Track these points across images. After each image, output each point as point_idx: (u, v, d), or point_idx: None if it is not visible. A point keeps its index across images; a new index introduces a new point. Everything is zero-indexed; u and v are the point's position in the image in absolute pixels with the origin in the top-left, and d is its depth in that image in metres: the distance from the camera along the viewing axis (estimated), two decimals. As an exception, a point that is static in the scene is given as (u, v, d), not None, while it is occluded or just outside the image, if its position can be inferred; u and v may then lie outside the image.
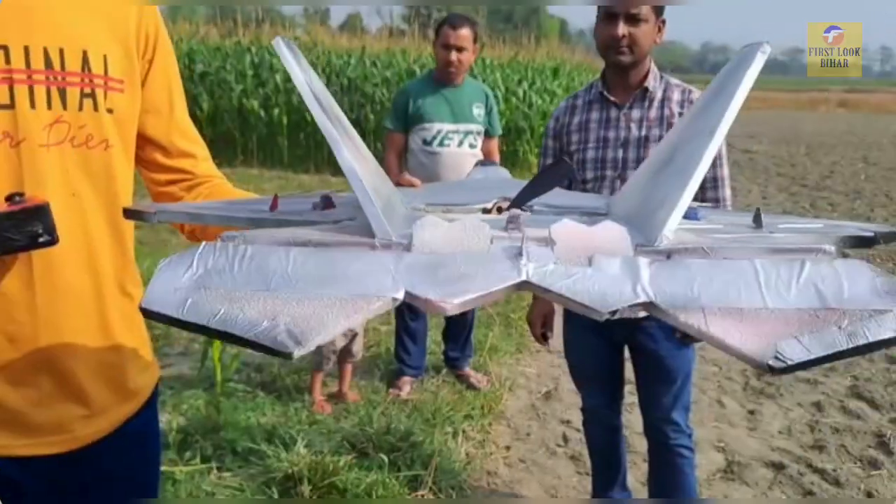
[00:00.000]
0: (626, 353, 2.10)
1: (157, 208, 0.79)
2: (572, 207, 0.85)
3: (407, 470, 2.48)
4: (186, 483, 2.36)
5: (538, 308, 2.13)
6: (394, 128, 3.22)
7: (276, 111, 10.12)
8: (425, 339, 3.39)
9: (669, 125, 1.87)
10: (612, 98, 1.92)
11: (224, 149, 9.74)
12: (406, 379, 3.25)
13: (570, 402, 3.13)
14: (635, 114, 1.90)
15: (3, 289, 0.87)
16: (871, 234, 0.69)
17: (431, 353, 3.52)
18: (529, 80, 10.80)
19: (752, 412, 3.17)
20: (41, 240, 0.81)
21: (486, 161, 2.95)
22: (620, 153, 1.90)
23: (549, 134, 2.07)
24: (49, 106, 0.88)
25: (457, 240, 0.60)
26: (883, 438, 2.92)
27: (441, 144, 3.13)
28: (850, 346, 0.49)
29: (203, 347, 2.95)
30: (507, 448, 2.80)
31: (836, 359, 0.49)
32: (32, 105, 0.87)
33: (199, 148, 1.13)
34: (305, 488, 2.29)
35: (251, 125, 10.26)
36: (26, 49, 0.86)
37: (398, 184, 1.07)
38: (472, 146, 3.18)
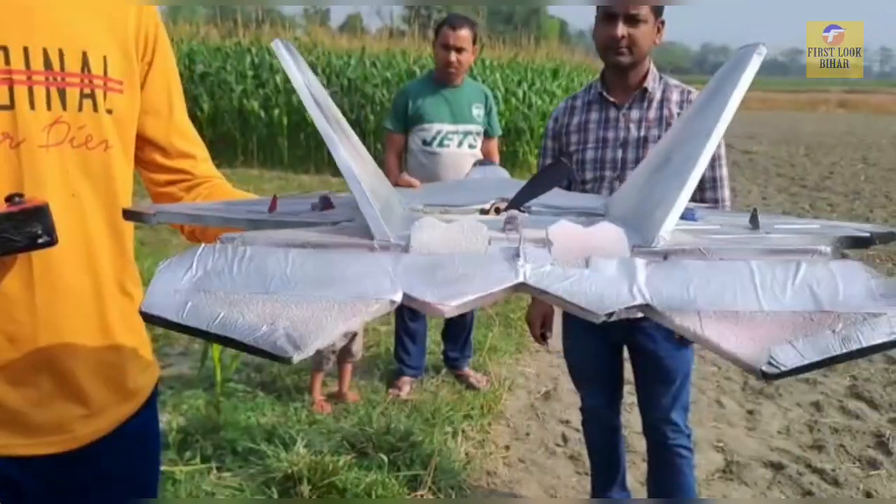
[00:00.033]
0: (626, 354, 2.10)
1: (156, 209, 0.79)
2: (570, 208, 0.85)
3: (406, 470, 2.48)
4: (186, 483, 2.36)
5: (537, 308, 2.13)
6: (393, 128, 3.22)
7: (277, 112, 10.13)
8: (425, 340, 3.39)
9: (668, 126, 1.87)
10: (611, 99, 1.93)
11: (224, 149, 9.75)
12: (406, 379, 3.25)
13: (569, 402, 3.14)
14: (634, 114, 1.90)
15: (2, 289, 0.87)
16: (868, 234, 0.69)
17: (431, 353, 3.52)
18: (529, 80, 10.80)
19: (751, 412, 3.17)
20: (40, 241, 0.81)
21: (484, 161, 2.96)
22: (619, 154, 1.90)
23: (548, 134, 2.08)
24: (49, 107, 0.88)
25: (454, 241, 0.60)
26: (882, 438, 2.92)
27: (441, 145, 3.13)
28: (844, 350, 0.49)
29: (203, 347, 2.95)
30: (507, 448, 2.80)
31: (830, 363, 0.49)
32: (32, 106, 0.87)
33: (199, 149, 1.13)
34: (305, 488, 2.29)
35: (251, 126, 10.26)
36: (26, 50, 0.86)
37: (397, 184, 1.07)
38: (471, 147, 3.19)
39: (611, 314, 0.52)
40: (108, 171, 0.96)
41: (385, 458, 2.50)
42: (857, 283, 0.53)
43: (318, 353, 2.90)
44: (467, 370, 3.38)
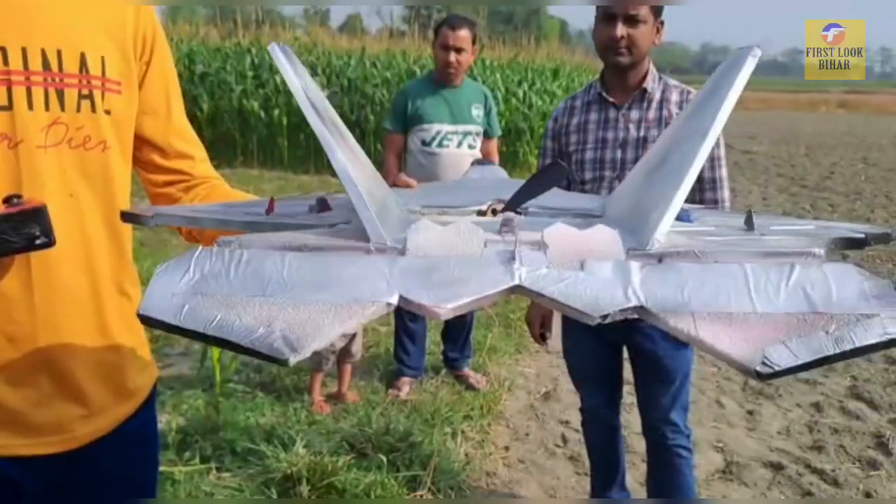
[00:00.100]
0: (626, 354, 2.10)
1: (154, 212, 0.80)
2: (567, 209, 0.86)
3: (406, 470, 2.49)
4: (185, 483, 2.36)
5: (537, 308, 2.14)
6: (393, 129, 3.22)
7: (276, 112, 10.13)
8: (424, 340, 3.39)
9: (668, 126, 1.87)
10: (610, 99, 1.93)
11: (224, 150, 9.75)
12: (405, 379, 3.26)
13: (568, 402, 3.14)
14: (634, 115, 1.90)
15: (1, 289, 0.88)
16: (862, 235, 0.70)
17: (430, 353, 3.52)
18: (529, 81, 10.80)
19: (750, 412, 3.18)
20: (38, 242, 0.81)
21: (482, 160, 2.96)
22: (619, 154, 1.90)
23: (548, 135, 2.08)
24: (47, 107, 0.89)
25: (451, 243, 0.60)
26: (882, 439, 2.92)
27: (440, 145, 3.13)
28: (837, 350, 0.49)
29: (202, 348, 2.96)
30: (506, 448, 2.80)
31: (824, 364, 0.49)
32: (30, 106, 0.87)
33: (197, 149, 1.14)
34: (304, 488, 2.30)
35: (251, 126, 10.26)
36: (24, 50, 0.87)
37: (394, 184, 1.07)
38: (471, 147, 3.19)
39: (605, 316, 0.53)
40: (106, 172, 0.96)
41: (384, 459, 2.50)
42: (850, 285, 0.53)
43: (318, 353, 2.90)
44: (467, 371, 3.39)
